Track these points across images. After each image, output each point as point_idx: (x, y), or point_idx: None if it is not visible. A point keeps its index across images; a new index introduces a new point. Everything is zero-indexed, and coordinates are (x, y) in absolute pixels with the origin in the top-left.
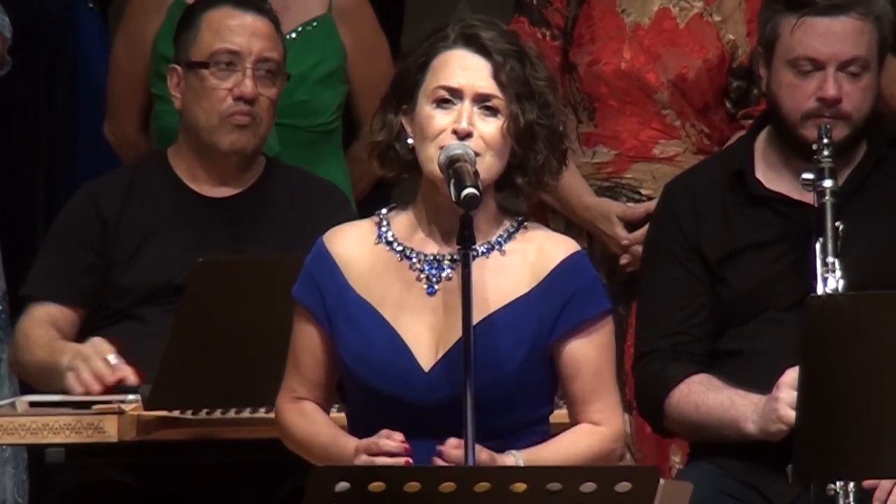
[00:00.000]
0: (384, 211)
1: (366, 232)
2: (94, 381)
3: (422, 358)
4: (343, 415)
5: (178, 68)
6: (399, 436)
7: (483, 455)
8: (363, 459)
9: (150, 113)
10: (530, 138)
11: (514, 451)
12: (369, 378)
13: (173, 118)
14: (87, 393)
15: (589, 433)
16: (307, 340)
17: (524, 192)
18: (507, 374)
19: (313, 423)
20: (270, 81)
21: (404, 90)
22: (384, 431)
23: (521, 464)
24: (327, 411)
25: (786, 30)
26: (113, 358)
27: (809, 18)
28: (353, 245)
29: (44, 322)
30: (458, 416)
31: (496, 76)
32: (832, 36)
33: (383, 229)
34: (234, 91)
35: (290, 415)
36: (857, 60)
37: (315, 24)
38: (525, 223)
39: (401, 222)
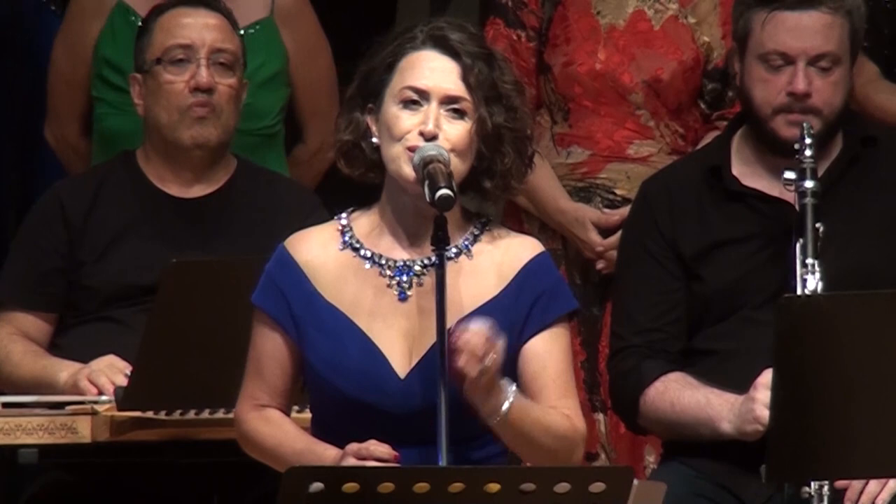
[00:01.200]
0: (345, 214)
1: (329, 237)
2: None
3: (397, 365)
4: (302, 415)
5: (138, 76)
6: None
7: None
8: (351, 462)
9: (90, 116)
10: (497, 141)
11: (508, 379)
12: (343, 386)
13: (115, 121)
14: (101, 393)
15: (561, 416)
16: (271, 348)
17: (491, 195)
18: None
19: (283, 432)
20: (228, 71)
21: (370, 89)
22: (373, 441)
23: (513, 389)
24: (288, 415)
25: (757, 24)
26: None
27: (780, 13)
28: (317, 251)
29: (16, 334)
30: (430, 422)
31: (464, 78)
32: (802, 30)
33: (347, 234)
34: (191, 83)
35: (256, 423)
36: (828, 55)
37: (257, 27)
38: (488, 225)
39: (364, 226)
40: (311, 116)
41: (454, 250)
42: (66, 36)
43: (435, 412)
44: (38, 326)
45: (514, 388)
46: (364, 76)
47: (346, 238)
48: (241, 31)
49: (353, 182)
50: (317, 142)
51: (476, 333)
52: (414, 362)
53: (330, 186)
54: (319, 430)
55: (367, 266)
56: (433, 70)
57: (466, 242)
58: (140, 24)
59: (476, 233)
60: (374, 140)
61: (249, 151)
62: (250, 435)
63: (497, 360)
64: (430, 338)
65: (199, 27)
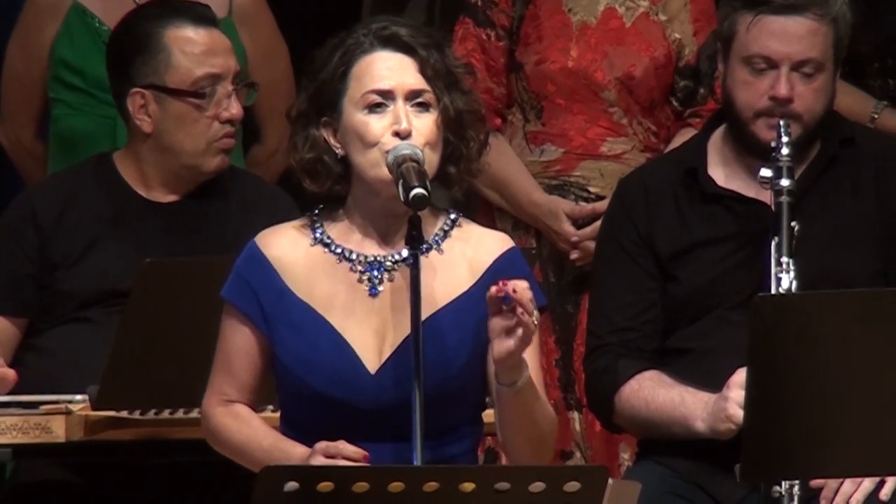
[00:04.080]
0: (316, 212)
1: (299, 234)
2: None
3: (367, 361)
4: (276, 415)
5: (146, 92)
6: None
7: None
8: (319, 460)
9: (45, 118)
10: (461, 126)
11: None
12: (314, 382)
13: (73, 121)
14: None
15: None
16: (240, 343)
17: (455, 181)
18: (453, 372)
19: (251, 428)
20: (245, 95)
21: (324, 102)
22: (342, 441)
23: (527, 363)
24: (255, 411)
25: (742, 27)
26: None
27: (765, 17)
28: (288, 247)
29: None
30: (402, 418)
31: (423, 71)
32: (787, 35)
33: (318, 231)
34: (222, 115)
35: (224, 419)
36: (811, 62)
37: None
38: (458, 221)
39: (336, 223)
40: (268, 116)
41: (424, 245)
42: (21, 37)
43: (406, 408)
44: (7, 330)
45: (526, 372)
46: (315, 91)
47: (317, 234)
48: None
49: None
50: (274, 142)
51: (526, 288)
52: (385, 358)
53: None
54: (289, 427)
55: (338, 262)
56: (391, 69)
57: (437, 238)
58: (134, 34)
59: (446, 228)
60: (338, 151)
61: None
62: (217, 430)
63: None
64: (402, 333)
65: (220, 52)
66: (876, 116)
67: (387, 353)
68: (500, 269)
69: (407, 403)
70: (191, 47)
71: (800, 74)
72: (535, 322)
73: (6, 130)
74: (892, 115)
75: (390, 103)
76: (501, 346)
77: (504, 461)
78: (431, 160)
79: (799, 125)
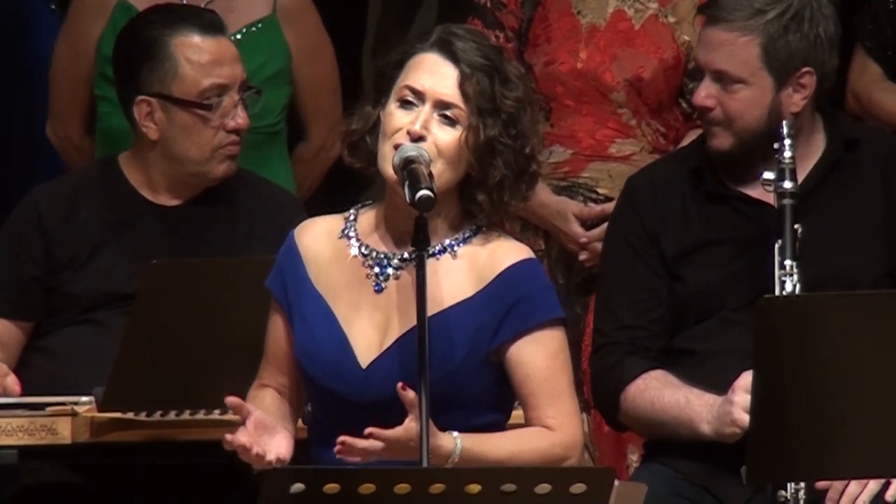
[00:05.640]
0: (358, 206)
1: (334, 226)
2: None
3: (361, 355)
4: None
5: (152, 100)
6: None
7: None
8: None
9: (93, 115)
10: (490, 154)
11: (455, 433)
12: (311, 372)
13: (117, 119)
14: None
15: (539, 434)
16: (273, 330)
17: (484, 208)
18: (443, 375)
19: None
20: (251, 103)
21: (382, 85)
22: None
23: (460, 445)
24: (293, 399)
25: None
26: None
27: (701, 28)
28: (318, 238)
29: None
30: (393, 413)
31: (461, 86)
32: (707, 45)
33: (349, 224)
34: (228, 124)
35: (249, 401)
36: (726, 75)
37: (260, 25)
38: (483, 228)
39: (367, 219)
40: (313, 114)
41: (438, 248)
42: (69, 35)
43: (396, 405)
44: (12, 333)
45: (459, 442)
46: (378, 72)
47: (347, 228)
48: (244, 30)
49: (358, 178)
50: (319, 140)
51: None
52: (379, 353)
53: (334, 184)
54: (312, 412)
55: (355, 256)
56: (433, 73)
57: (453, 243)
58: (142, 42)
59: (467, 235)
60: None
61: (252, 149)
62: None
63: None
64: (397, 332)
65: (227, 61)
66: None
67: (383, 349)
68: (509, 280)
69: (396, 400)
70: (198, 57)
71: (721, 84)
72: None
73: (55, 127)
74: None
75: (420, 104)
76: None
77: None
78: (443, 173)
79: (728, 132)
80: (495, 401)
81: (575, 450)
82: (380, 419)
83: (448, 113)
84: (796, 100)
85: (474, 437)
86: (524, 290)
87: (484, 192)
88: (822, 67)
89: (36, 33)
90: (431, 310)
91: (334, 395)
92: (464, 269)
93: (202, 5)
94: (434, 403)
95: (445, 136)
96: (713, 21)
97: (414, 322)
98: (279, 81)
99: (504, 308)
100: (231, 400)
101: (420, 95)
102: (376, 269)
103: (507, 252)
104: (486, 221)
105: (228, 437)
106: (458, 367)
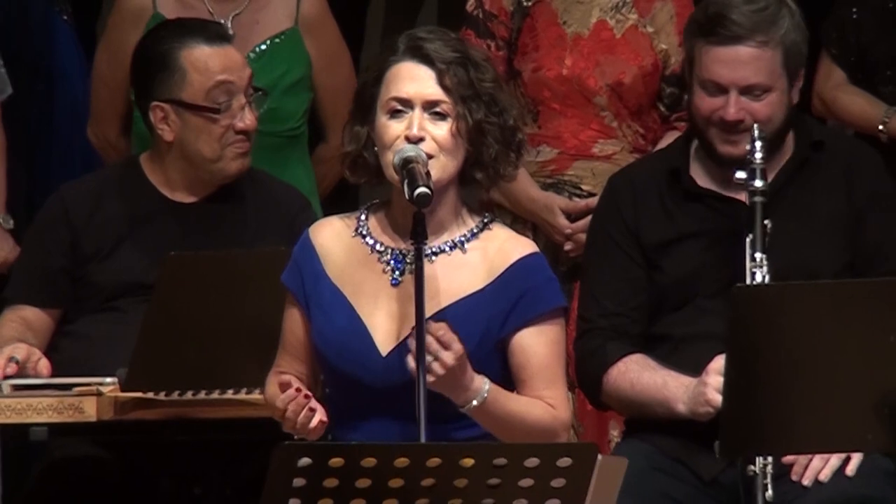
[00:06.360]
0: (367, 206)
1: (346, 225)
2: None
3: (381, 343)
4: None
5: (166, 106)
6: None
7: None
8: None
9: (130, 118)
10: (480, 135)
11: (485, 378)
12: (333, 360)
13: None
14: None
15: (544, 408)
16: (290, 322)
17: (484, 184)
18: None
19: (276, 391)
20: (257, 104)
21: (366, 103)
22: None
23: (487, 387)
24: (310, 385)
25: (698, 53)
26: (17, 358)
27: (713, 48)
28: (333, 236)
29: (16, 320)
30: (411, 397)
31: (441, 83)
32: (733, 63)
33: (362, 222)
34: (237, 125)
35: (266, 387)
36: (758, 86)
37: (283, 36)
38: (490, 224)
39: (377, 218)
40: (332, 118)
41: (448, 244)
42: (108, 44)
43: (413, 388)
44: (41, 320)
45: (487, 385)
46: (359, 91)
47: (360, 226)
48: (268, 41)
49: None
50: (338, 142)
51: (435, 328)
52: (398, 341)
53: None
54: (328, 397)
55: (370, 253)
56: (413, 79)
57: (462, 238)
58: (152, 52)
59: (475, 230)
60: (375, 149)
61: (276, 151)
62: (266, 396)
63: (453, 361)
64: (423, 321)
65: (234, 67)
66: (887, 121)
67: (401, 337)
68: (517, 272)
69: (414, 386)
70: (205, 65)
71: (750, 96)
72: (440, 368)
73: (94, 129)
74: None
75: (409, 110)
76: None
77: None
78: (446, 165)
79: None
80: (502, 384)
81: (566, 430)
82: (400, 402)
83: (437, 110)
84: (795, 92)
85: (497, 388)
86: (531, 282)
87: (481, 170)
88: (805, 60)
89: (53, 43)
90: (447, 301)
91: (356, 381)
92: (475, 263)
93: (230, 19)
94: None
95: (440, 131)
96: (733, 41)
97: (431, 311)
98: (300, 88)
99: (513, 299)
100: (285, 378)
101: (407, 102)
102: (392, 265)
103: (515, 247)
104: (492, 216)
105: (313, 423)
106: (472, 354)
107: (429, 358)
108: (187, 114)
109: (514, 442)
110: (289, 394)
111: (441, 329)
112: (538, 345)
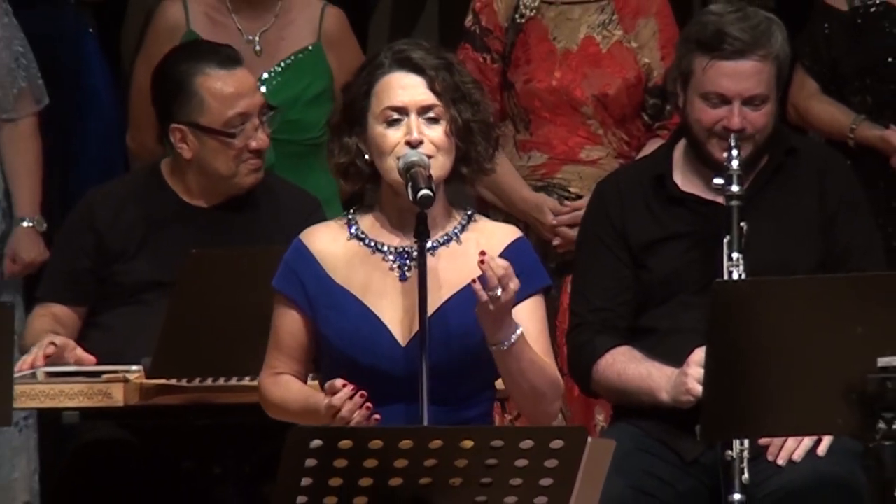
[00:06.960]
0: (352, 211)
1: (338, 230)
2: (30, 361)
3: (398, 335)
4: (317, 382)
5: (184, 128)
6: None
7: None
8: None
9: None
10: (469, 133)
11: (518, 325)
12: (354, 354)
13: None
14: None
15: (554, 366)
16: (287, 324)
17: (469, 179)
18: (471, 345)
19: (289, 389)
20: (269, 122)
21: (354, 116)
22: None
23: (519, 332)
24: (304, 381)
25: (699, 67)
26: (51, 347)
27: (718, 62)
28: (328, 242)
29: (46, 316)
30: (429, 383)
31: (432, 88)
32: (737, 77)
33: (353, 227)
34: (251, 145)
35: (271, 387)
36: (759, 96)
37: (306, 51)
38: (474, 215)
39: (367, 220)
40: None
41: (445, 238)
42: (146, 57)
43: (433, 375)
44: (69, 316)
45: (520, 330)
46: (347, 106)
47: (353, 230)
48: (293, 56)
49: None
50: None
51: (498, 265)
52: (413, 332)
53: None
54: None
55: (372, 253)
56: (405, 88)
57: (455, 231)
58: (168, 75)
59: (464, 223)
60: (367, 156)
61: (298, 159)
62: (266, 397)
63: (510, 295)
64: (430, 310)
65: (246, 91)
66: (854, 128)
67: (415, 329)
68: (509, 256)
69: (433, 371)
70: (220, 90)
71: (750, 106)
72: (499, 294)
73: (133, 136)
74: (868, 127)
75: (404, 117)
76: (478, 310)
77: (499, 422)
78: (444, 164)
79: (751, 143)
80: (494, 364)
81: (560, 398)
82: (413, 388)
83: (431, 114)
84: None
85: (523, 337)
86: (522, 265)
87: (467, 165)
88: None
89: (83, 55)
90: (452, 290)
91: (376, 371)
92: (470, 252)
93: (258, 36)
94: (467, 369)
95: (436, 134)
96: (737, 55)
97: (442, 300)
98: (322, 100)
99: None
100: (337, 382)
101: (402, 110)
102: (399, 262)
103: (504, 234)
104: (472, 209)
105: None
106: (476, 333)
107: (496, 291)
108: (205, 136)
109: (529, 400)
110: (345, 392)
111: (504, 265)
112: (529, 320)
